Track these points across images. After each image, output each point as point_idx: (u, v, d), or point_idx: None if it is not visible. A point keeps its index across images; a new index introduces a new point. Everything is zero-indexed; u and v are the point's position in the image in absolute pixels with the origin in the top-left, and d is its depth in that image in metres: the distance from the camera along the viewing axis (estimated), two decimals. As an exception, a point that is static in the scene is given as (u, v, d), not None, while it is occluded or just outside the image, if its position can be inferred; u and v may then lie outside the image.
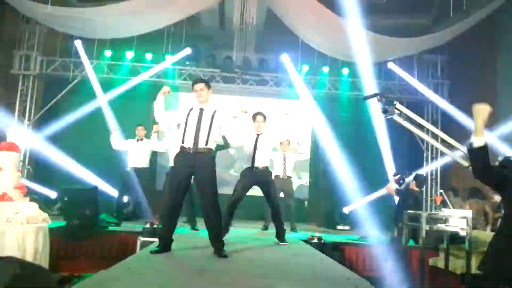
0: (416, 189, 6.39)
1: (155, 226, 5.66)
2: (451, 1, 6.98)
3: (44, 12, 7.04)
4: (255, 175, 5.22)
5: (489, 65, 8.04)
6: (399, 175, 6.39)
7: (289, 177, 7.42)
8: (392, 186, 6.41)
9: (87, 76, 8.81)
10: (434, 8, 8.41)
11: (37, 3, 7.03)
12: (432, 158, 9.22)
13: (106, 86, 9.08)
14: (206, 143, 3.95)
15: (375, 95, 4.70)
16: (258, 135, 5.34)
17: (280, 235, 5.29)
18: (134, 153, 7.14)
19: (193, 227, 6.50)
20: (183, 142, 3.98)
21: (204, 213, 3.98)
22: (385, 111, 4.64)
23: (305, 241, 5.94)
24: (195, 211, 6.46)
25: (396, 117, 4.56)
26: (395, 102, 4.56)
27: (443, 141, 5.33)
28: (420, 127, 4.96)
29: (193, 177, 4.01)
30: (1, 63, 8.61)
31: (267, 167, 5.33)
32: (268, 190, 5.28)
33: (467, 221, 4.89)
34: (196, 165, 3.91)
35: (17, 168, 4.86)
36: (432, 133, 5.29)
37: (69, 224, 6.10)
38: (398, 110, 4.52)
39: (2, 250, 4.02)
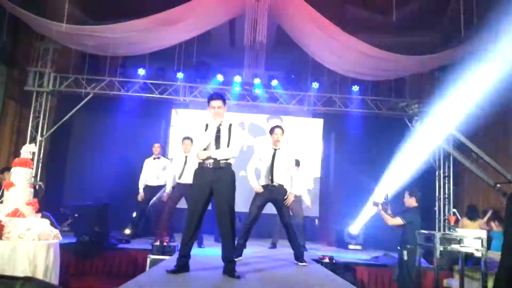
0: (416, 204, 5.76)
1: (165, 244, 5.64)
2: (462, 19, 6.98)
3: (58, 30, 7.16)
4: (271, 192, 5.15)
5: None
6: (377, 204, 5.73)
7: (298, 196, 7.34)
8: (386, 216, 5.66)
9: (99, 93, 8.92)
10: (445, 26, 8.42)
11: (51, 21, 7.16)
12: (444, 177, 9.09)
13: (118, 103, 9.18)
14: (226, 158, 3.93)
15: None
16: (275, 150, 5.26)
17: (298, 256, 5.18)
18: (151, 171, 7.19)
19: (199, 245, 6.49)
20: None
21: (221, 231, 3.93)
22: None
23: (316, 260, 5.87)
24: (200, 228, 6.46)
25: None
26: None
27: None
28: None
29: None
30: (15, 79, 8.75)
31: (283, 185, 5.22)
32: (282, 210, 5.19)
33: (482, 242, 4.79)
34: (216, 180, 3.87)
35: (29, 184, 4.88)
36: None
37: (79, 240, 6.10)
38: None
39: (14, 266, 4.01)
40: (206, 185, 3.90)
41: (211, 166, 3.90)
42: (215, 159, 3.90)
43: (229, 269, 3.84)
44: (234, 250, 4.06)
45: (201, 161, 3.96)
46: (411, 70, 8.58)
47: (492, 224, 6.52)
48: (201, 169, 3.98)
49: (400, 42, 8.86)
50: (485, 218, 6.71)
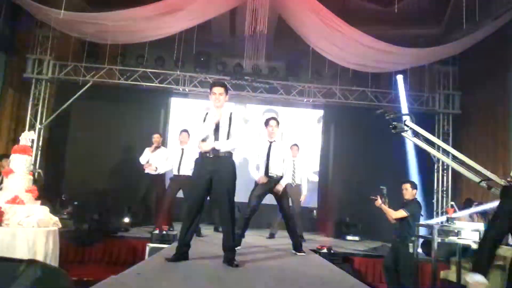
0: (415, 196, 5.54)
1: (164, 232, 5.66)
2: (464, 12, 6.95)
3: (57, 17, 7.10)
4: (270, 183, 5.17)
5: (501, 76, 7.97)
6: (376, 197, 5.46)
7: (298, 185, 7.37)
8: (388, 209, 5.43)
9: (98, 81, 8.89)
10: (446, 19, 8.38)
11: (51, 8, 7.10)
12: (443, 169, 9.13)
13: (117, 91, 9.15)
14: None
15: (384, 111, 4.70)
16: (271, 142, 5.28)
17: (296, 246, 5.23)
18: (151, 161, 7.20)
19: (198, 234, 6.51)
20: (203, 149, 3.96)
21: (221, 220, 3.95)
22: (394, 128, 4.62)
23: (314, 251, 5.90)
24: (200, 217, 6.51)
25: (406, 134, 4.53)
26: (404, 119, 4.53)
27: (455, 156, 5.29)
28: (431, 142, 4.91)
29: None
30: (14, 66, 8.70)
31: (281, 176, 5.24)
32: (281, 200, 5.23)
33: (479, 234, 4.81)
34: (216, 169, 3.88)
35: (29, 171, 4.88)
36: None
37: (79, 228, 6.12)
38: (408, 126, 4.49)
39: (13, 252, 4.01)
40: (206, 175, 3.91)
41: (211, 156, 3.90)
42: (215, 149, 3.89)
43: (229, 258, 3.86)
44: (234, 239, 4.06)
45: (203, 151, 3.96)
46: (412, 63, 8.56)
47: (475, 216, 6.52)
48: (201, 159, 3.99)
49: (402, 34, 8.82)
50: (469, 210, 6.71)
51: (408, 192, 5.47)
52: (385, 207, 5.45)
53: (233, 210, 3.95)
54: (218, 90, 3.99)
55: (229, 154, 3.97)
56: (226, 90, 4.07)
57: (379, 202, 5.42)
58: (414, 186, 5.53)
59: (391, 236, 5.81)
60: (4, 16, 7.66)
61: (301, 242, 5.36)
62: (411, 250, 5.16)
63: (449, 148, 4.98)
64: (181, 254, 3.88)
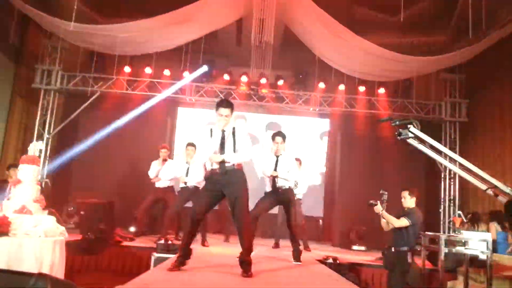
0: (414, 205, 5.27)
1: (169, 242, 5.66)
2: (470, 20, 6.94)
3: (66, 28, 7.20)
4: (279, 195, 5.24)
5: (508, 84, 7.93)
6: (376, 202, 5.18)
7: (299, 199, 7.29)
8: (390, 217, 5.14)
9: (106, 91, 8.97)
10: (452, 27, 8.37)
11: (60, 19, 7.20)
12: (450, 178, 9.06)
13: (125, 101, 9.22)
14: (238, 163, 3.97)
15: (389, 119, 4.70)
16: (277, 156, 5.33)
17: (295, 256, 5.25)
18: (160, 174, 7.27)
19: (203, 243, 6.53)
20: (211, 165, 3.99)
21: (237, 229, 3.95)
22: (399, 134, 4.60)
23: (320, 261, 5.86)
24: (205, 227, 6.65)
25: (411, 140, 4.50)
26: (409, 126, 4.51)
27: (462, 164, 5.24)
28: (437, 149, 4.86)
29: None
30: (23, 77, 8.82)
31: (288, 189, 5.31)
32: (288, 210, 5.29)
33: (487, 244, 4.76)
34: (227, 184, 3.90)
35: (36, 181, 4.91)
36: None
37: (85, 238, 6.14)
38: (413, 133, 4.46)
39: (20, 262, 4.03)
40: (216, 190, 3.94)
41: (220, 171, 3.92)
42: (223, 164, 3.90)
43: (243, 266, 3.84)
44: (250, 248, 4.00)
45: (211, 169, 3.99)
46: (418, 71, 8.54)
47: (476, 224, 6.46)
48: (211, 175, 4.02)
49: (408, 42, 8.83)
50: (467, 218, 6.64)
51: (406, 200, 5.23)
52: (386, 214, 5.16)
53: (248, 218, 3.97)
54: (224, 112, 3.95)
55: (238, 167, 3.98)
56: (232, 110, 4.03)
57: (379, 209, 5.13)
58: (412, 194, 5.27)
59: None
60: (14, 27, 7.78)
61: (301, 252, 5.34)
62: (409, 260, 4.99)
63: (453, 155, 4.93)
64: (182, 262, 3.89)
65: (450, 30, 8.43)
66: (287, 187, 5.30)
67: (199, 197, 4.10)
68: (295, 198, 7.11)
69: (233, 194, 3.90)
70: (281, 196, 5.25)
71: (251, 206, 5.19)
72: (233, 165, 3.94)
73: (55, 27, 7.68)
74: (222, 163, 3.91)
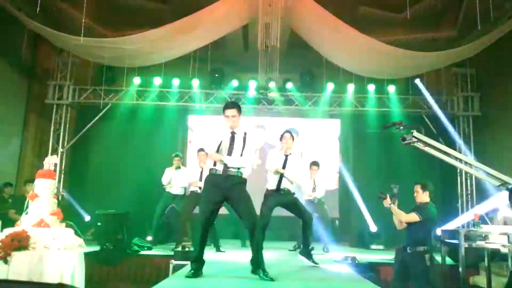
0: (428, 199, 4.89)
1: (187, 249, 5.68)
2: (478, 13, 6.87)
3: (76, 44, 7.32)
4: (281, 196, 5.14)
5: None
6: (385, 195, 4.90)
7: (320, 200, 7.29)
8: (399, 211, 4.86)
9: (117, 103, 9.08)
10: (460, 20, 8.29)
11: (69, 35, 7.31)
12: (467, 173, 8.92)
13: (135, 112, 9.32)
14: (238, 167, 3.93)
15: (393, 124, 4.67)
16: (286, 155, 5.26)
17: (304, 251, 5.23)
18: (173, 181, 7.34)
19: (218, 249, 6.54)
20: (214, 164, 3.98)
21: (248, 233, 3.93)
22: (403, 139, 4.56)
23: (339, 261, 5.82)
24: (217, 232, 6.65)
25: (417, 144, 4.46)
26: (412, 131, 4.48)
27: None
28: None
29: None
30: (36, 93, 8.99)
31: (291, 190, 5.20)
32: (296, 207, 5.19)
33: (508, 238, 4.68)
34: (229, 188, 3.87)
35: (53, 194, 4.97)
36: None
37: (103, 248, 6.20)
38: (416, 138, 4.43)
39: (41, 275, 4.08)
40: (218, 192, 3.89)
41: (221, 174, 3.89)
42: (225, 166, 3.89)
43: (257, 272, 3.83)
44: (261, 252, 3.96)
45: (212, 167, 3.97)
46: (428, 67, 8.47)
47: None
48: (212, 176, 3.98)
49: (416, 39, 8.77)
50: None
51: (419, 194, 4.86)
52: (394, 208, 4.82)
53: (257, 221, 3.94)
54: (231, 112, 3.96)
55: (240, 173, 3.93)
56: (239, 110, 4.03)
57: (388, 201, 4.83)
58: (425, 188, 4.90)
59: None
60: (25, 45, 7.94)
61: (310, 250, 5.27)
62: (427, 263, 4.58)
63: (459, 155, 4.86)
64: (197, 270, 3.88)
65: (458, 23, 8.35)
66: (291, 190, 5.19)
67: (203, 204, 4.03)
68: (317, 201, 7.15)
69: (241, 202, 3.89)
70: (282, 198, 5.12)
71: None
72: (236, 170, 3.90)
73: (65, 43, 7.80)
74: (225, 167, 3.88)
